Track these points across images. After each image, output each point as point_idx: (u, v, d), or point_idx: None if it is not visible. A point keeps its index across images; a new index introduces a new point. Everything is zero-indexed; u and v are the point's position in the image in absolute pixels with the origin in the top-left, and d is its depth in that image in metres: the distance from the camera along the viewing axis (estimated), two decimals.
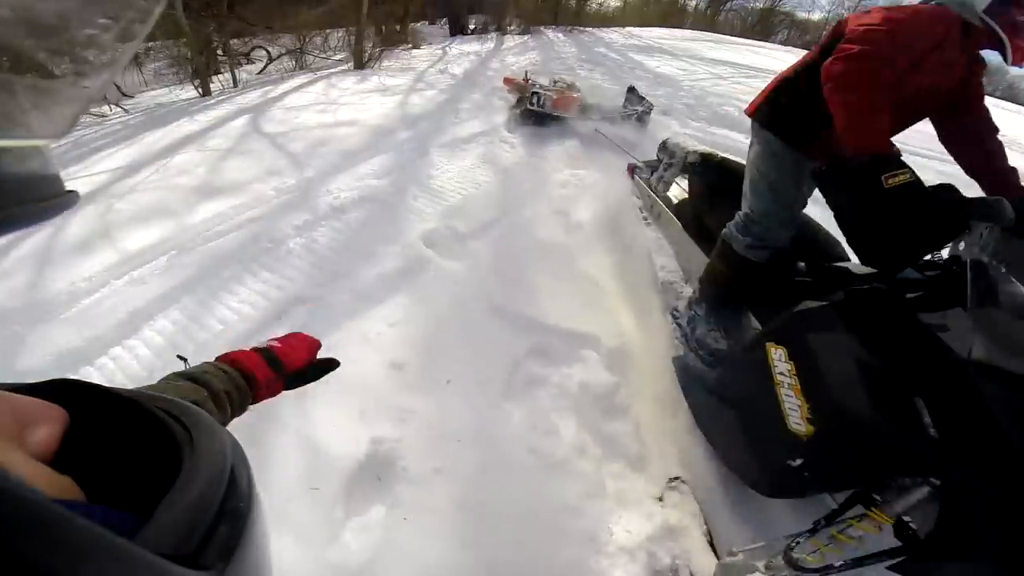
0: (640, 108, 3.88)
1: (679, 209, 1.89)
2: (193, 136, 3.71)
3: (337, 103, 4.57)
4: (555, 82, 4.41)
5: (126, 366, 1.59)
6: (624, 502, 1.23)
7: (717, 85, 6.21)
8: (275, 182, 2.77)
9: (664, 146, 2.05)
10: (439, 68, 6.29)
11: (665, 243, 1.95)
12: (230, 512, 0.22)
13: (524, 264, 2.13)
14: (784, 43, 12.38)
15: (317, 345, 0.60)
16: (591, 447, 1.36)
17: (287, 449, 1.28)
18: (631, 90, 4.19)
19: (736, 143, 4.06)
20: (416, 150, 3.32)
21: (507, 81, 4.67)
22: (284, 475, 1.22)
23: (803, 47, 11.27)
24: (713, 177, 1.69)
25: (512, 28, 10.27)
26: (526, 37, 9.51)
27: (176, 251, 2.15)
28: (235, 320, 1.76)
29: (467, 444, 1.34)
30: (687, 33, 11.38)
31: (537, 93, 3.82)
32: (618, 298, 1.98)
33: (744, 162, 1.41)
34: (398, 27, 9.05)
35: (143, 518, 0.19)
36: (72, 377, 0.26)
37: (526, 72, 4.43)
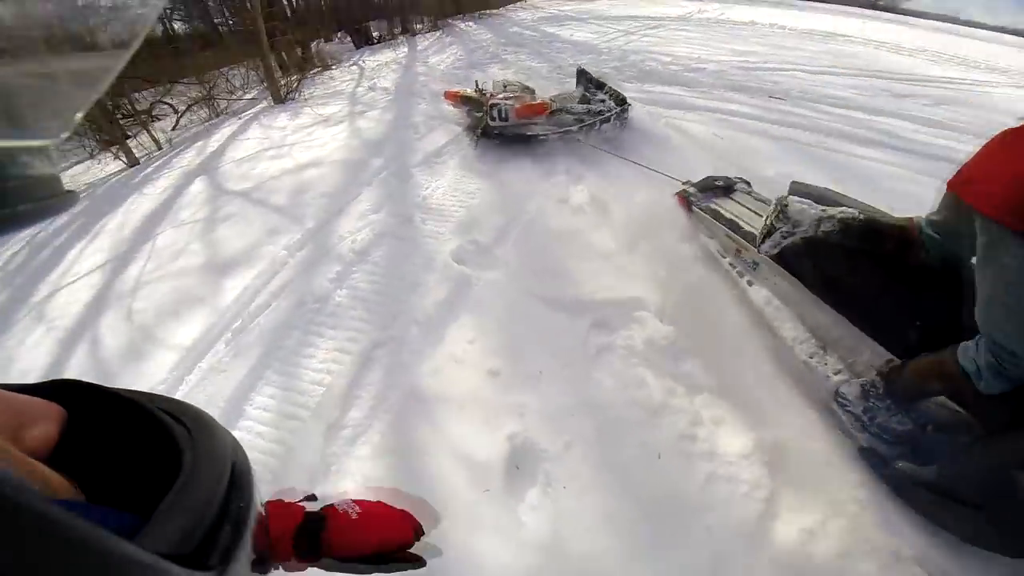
0: (617, 108, 3.51)
1: (793, 262, 1.62)
2: (159, 212, 3.65)
3: (286, 144, 4.54)
4: (505, 86, 3.99)
5: (252, 445, 1.72)
6: (720, 422, 1.55)
7: (630, 42, 6.55)
8: (283, 241, 2.85)
9: (784, 214, 1.64)
10: (367, 86, 6.26)
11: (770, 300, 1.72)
12: (231, 512, 0.22)
13: (550, 256, 2.38)
14: None
15: (407, 532, 0.49)
16: (677, 387, 1.66)
17: (450, 467, 1.50)
18: (582, 73, 4.00)
19: (675, 96, 4.43)
20: (396, 175, 3.45)
21: (450, 96, 4.06)
22: (458, 486, 1.44)
23: None
24: (858, 242, 1.45)
25: (420, 27, 10.17)
26: (438, 33, 9.46)
27: (230, 334, 2.23)
28: (329, 379, 1.91)
29: (580, 416, 1.61)
30: None
31: (497, 105, 3.38)
32: (648, 261, 2.26)
33: (876, 208, 1.32)
34: (300, 52, 8.79)
35: (144, 518, 0.20)
36: (72, 377, 0.26)
37: (476, 82, 4.06)
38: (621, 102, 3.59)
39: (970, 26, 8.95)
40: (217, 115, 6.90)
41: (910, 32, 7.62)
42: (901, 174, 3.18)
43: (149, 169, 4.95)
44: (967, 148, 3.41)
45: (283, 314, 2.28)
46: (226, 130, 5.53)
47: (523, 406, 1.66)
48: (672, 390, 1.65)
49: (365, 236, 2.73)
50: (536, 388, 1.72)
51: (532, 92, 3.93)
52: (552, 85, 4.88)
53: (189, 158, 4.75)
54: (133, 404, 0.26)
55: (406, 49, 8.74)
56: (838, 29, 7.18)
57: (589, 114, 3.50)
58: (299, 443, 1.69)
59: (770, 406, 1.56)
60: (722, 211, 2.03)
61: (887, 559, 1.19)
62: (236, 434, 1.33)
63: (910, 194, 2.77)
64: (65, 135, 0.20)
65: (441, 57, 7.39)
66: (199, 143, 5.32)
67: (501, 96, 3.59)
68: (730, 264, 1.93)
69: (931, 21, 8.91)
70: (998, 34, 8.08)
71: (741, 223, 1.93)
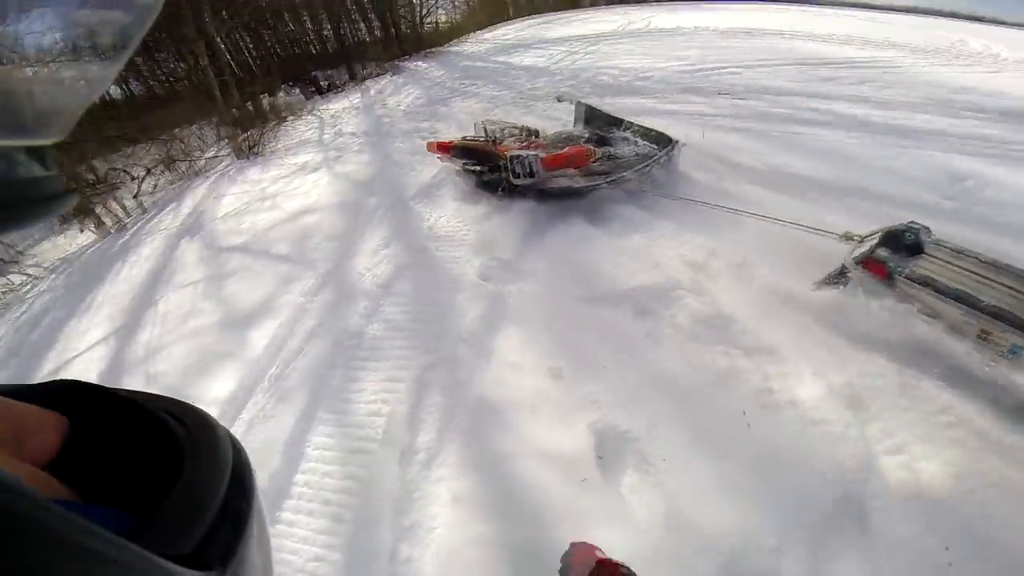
0: (663, 148, 3.06)
1: None
2: (153, 278, 3.56)
3: (268, 196, 4.53)
4: (502, 129, 3.50)
5: (321, 486, 1.71)
6: (785, 375, 1.67)
7: (576, 61, 6.98)
8: (299, 287, 2.84)
9: None
10: (332, 132, 6.34)
11: None
12: (231, 512, 0.23)
13: (575, 259, 2.50)
14: (593, 5, 13.87)
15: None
16: (732, 351, 1.79)
17: (539, 467, 1.54)
18: (590, 110, 3.67)
19: (636, 104, 4.73)
20: (396, 211, 3.51)
21: (440, 149, 3.46)
22: (553, 483, 1.48)
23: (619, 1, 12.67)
24: None
25: (368, 72, 10.38)
26: (388, 75, 9.69)
27: (267, 382, 2.21)
28: (388, 408, 1.91)
29: (655, 395, 1.69)
30: (520, 24, 12.32)
31: (519, 158, 2.77)
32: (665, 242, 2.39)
33: None
34: (252, 106, 8.80)
35: (144, 518, 0.20)
36: (71, 378, 0.26)
37: (483, 126, 3.49)
38: (664, 140, 3.13)
39: (862, 8, 10.04)
40: (180, 177, 6.78)
41: (817, 19, 8.45)
42: (852, 145, 3.53)
43: (126, 237, 4.81)
44: (898, 117, 3.85)
45: (320, 355, 2.28)
46: (197, 190, 5.45)
47: (593, 396, 1.73)
48: (729, 354, 1.78)
49: (384, 270, 2.78)
50: (602, 378, 1.80)
51: (535, 133, 3.55)
52: (519, 112, 5.12)
53: (167, 221, 4.65)
54: (133, 404, 0.25)
55: (359, 95, 8.90)
56: (754, 24, 7.87)
57: (639, 157, 3.05)
58: (374, 475, 1.69)
59: None
60: (935, 277, 1.63)
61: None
62: (300, 477, 1.60)
63: (870, 166, 3.11)
64: (65, 135, 0.20)
65: (399, 98, 7.58)
66: (172, 206, 5.22)
67: (516, 144, 3.06)
68: (975, 351, 1.51)
69: (833, 8, 9.92)
70: (887, 13, 9.12)
71: (970, 292, 1.55)
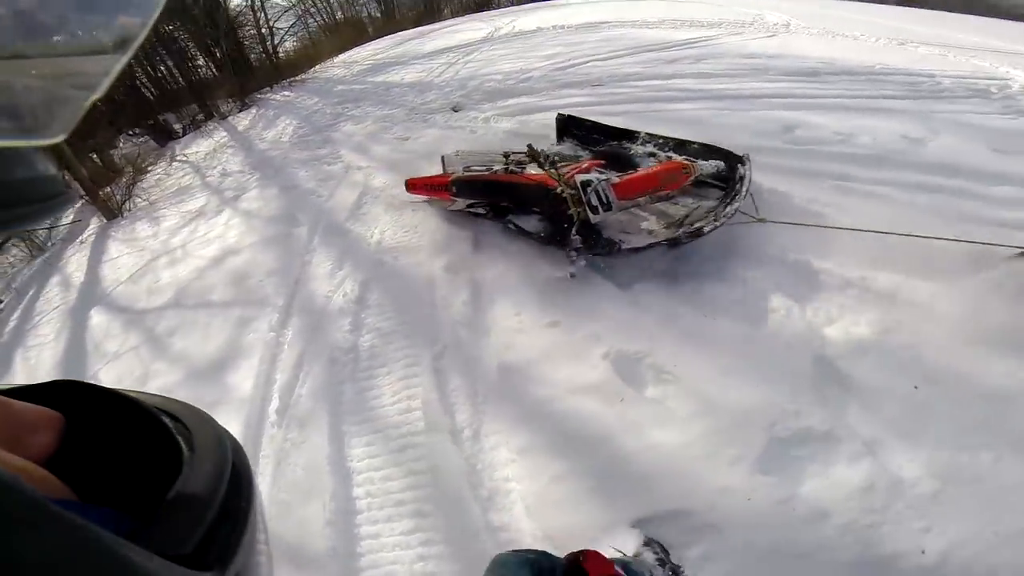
0: (733, 164, 2.41)
1: None
2: (77, 353, 3.13)
3: (174, 247, 4.13)
4: (506, 155, 2.75)
5: (388, 496, 1.76)
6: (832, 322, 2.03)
7: (458, 72, 7.30)
8: (258, 326, 2.74)
9: None
10: (217, 173, 5.89)
11: None
12: (231, 512, 0.23)
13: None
14: (455, 15, 14.39)
15: None
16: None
17: (579, 402, 1.79)
18: (565, 121, 3.15)
19: (526, 103, 5.19)
20: (332, 235, 3.48)
21: (426, 188, 3.00)
22: (597, 410, 1.74)
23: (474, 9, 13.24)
24: None
25: (228, 109, 9.63)
26: (252, 109, 9.10)
27: (274, 416, 2.17)
28: (416, 403, 2.00)
29: (646, 318, 2.05)
30: (388, 41, 12.31)
31: (590, 183, 2.06)
32: None
33: None
34: (96, 159, 7.73)
35: (143, 518, 0.20)
36: (71, 378, 0.26)
37: (529, 146, 2.29)
38: (715, 153, 2.48)
39: None
40: (39, 250, 5.75)
41: (647, 6, 9.55)
42: (705, 112, 4.33)
43: (12, 324, 4.03)
44: (733, 85, 4.79)
45: (321, 377, 2.29)
46: (73, 259, 4.72)
47: (595, 333, 2.02)
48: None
49: (351, 287, 2.81)
50: (594, 317, 2.10)
51: (553, 157, 2.44)
52: (421, 127, 5.26)
53: (56, 298, 4.01)
54: (132, 404, 0.25)
55: (225, 133, 8.27)
56: (598, 18, 8.74)
57: (718, 177, 2.41)
58: (435, 463, 1.77)
59: None
60: None
61: None
62: (359, 490, 1.75)
63: (725, 126, 3.88)
64: (66, 135, 0.20)
65: (277, 130, 7.23)
66: (52, 280, 4.47)
67: (566, 168, 2.24)
68: None
69: None
70: None
71: None
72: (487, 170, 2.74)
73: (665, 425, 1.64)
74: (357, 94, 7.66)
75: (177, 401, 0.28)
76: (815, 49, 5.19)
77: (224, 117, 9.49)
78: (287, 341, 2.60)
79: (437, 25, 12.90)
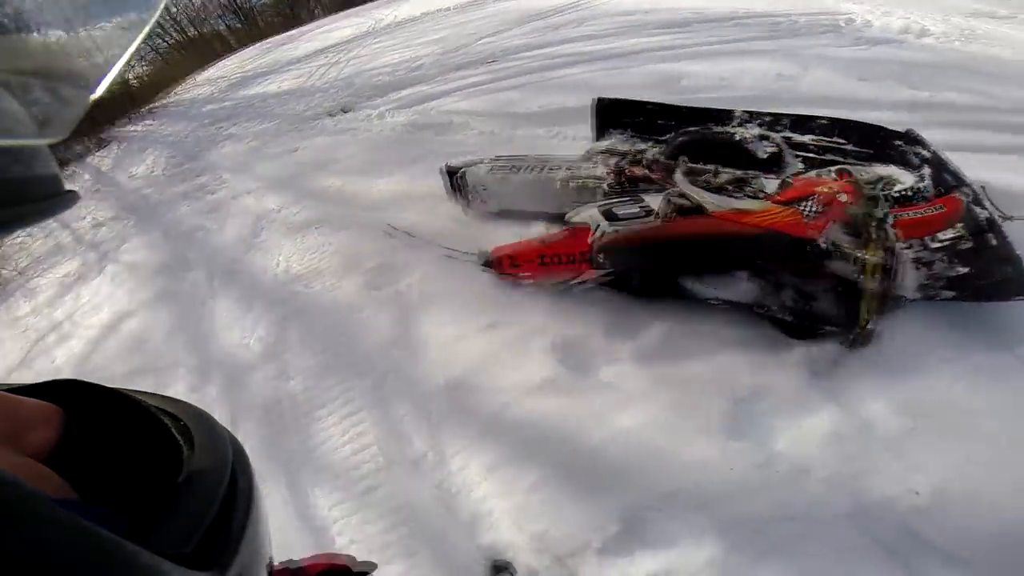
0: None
1: None
2: None
3: (56, 321, 3.51)
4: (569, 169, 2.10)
5: (365, 537, 1.62)
6: None
7: (342, 71, 6.85)
8: (179, 388, 2.43)
9: None
10: (87, 224, 5.14)
11: None
12: (231, 511, 0.23)
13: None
14: (317, 17, 13.46)
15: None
16: None
17: (537, 400, 1.75)
18: (607, 106, 2.35)
19: (422, 92, 4.96)
20: (231, 275, 3.15)
21: (546, 265, 1.92)
22: (557, 402, 1.71)
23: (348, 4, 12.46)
24: None
25: (83, 148, 8.37)
26: (112, 146, 7.99)
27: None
28: (368, 439, 1.86)
29: (580, 306, 2.03)
30: (251, 51, 11.22)
31: (882, 225, 1.42)
32: None
33: None
34: None
35: (143, 517, 0.20)
36: (72, 377, 0.25)
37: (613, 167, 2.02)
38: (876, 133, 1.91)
39: None
40: None
41: None
42: (595, 74, 4.37)
43: None
44: (618, 44, 4.87)
45: (259, 434, 2.06)
46: None
47: (542, 326, 1.98)
48: None
49: (265, 330, 2.56)
50: (526, 309, 2.07)
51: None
52: (312, 134, 4.90)
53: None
54: (133, 403, 0.25)
55: (87, 176, 7.20)
56: None
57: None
58: (408, 497, 1.65)
59: None
60: None
61: None
62: (340, 540, 1.57)
63: (617, 85, 3.94)
64: (65, 135, 0.20)
65: (146, 164, 6.43)
66: None
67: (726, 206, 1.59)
68: None
69: None
70: None
71: None
72: (640, 213, 1.79)
73: (626, 408, 1.64)
74: (229, 111, 6.97)
75: (177, 401, 0.28)
76: (684, 0, 5.38)
77: (81, 159, 8.26)
78: (211, 402, 2.32)
79: (309, 27, 12.03)
